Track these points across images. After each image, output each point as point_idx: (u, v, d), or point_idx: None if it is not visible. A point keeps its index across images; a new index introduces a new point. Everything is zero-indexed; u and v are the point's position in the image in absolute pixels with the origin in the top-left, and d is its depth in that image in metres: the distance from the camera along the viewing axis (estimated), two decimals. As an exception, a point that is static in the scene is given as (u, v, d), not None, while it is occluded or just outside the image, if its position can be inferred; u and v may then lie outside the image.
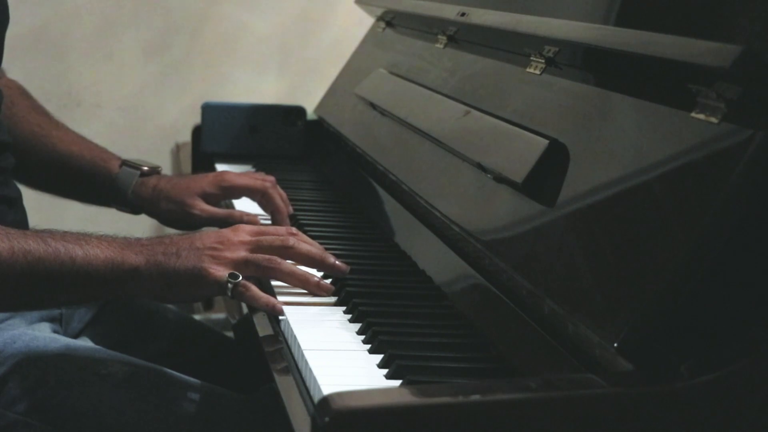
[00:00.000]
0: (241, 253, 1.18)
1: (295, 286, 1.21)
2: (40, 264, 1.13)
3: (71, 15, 2.64)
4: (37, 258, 1.13)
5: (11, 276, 1.13)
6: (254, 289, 1.16)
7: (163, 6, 2.70)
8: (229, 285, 1.15)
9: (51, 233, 1.17)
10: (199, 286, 1.16)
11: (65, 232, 1.18)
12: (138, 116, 2.73)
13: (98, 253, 1.15)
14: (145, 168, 1.54)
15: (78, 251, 1.15)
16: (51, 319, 1.38)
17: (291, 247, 1.21)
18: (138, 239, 1.20)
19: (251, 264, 1.18)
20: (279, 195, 1.52)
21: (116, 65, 2.69)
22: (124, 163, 1.55)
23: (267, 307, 1.15)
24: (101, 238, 1.18)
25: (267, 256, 1.19)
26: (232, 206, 1.56)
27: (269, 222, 1.51)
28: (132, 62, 2.71)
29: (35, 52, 2.61)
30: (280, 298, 1.18)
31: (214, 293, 1.18)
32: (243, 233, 1.21)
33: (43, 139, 1.54)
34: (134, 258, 1.16)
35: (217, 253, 1.17)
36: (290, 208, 1.53)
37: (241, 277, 1.15)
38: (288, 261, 1.21)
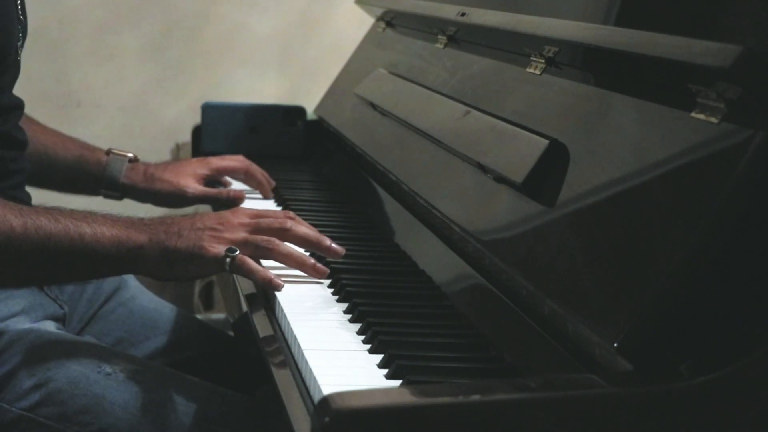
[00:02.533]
0: (241, 234, 1.21)
1: (291, 267, 1.23)
2: (51, 240, 1.16)
3: (71, 15, 2.64)
4: (48, 234, 1.16)
5: (25, 251, 1.16)
6: (251, 263, 1.19)
7: (163, 6, 2.70)
8: (228, 259, 1.18)
9: (60, 210, 1.20)
10: (198, 264, 1.19)
11: (72, 210, 1.21)
12: (138, 116, 2.73)
13: (104, 230, 1.19)
14: (131, 155, 1.62)
15: (86, 228, 1.18)
16: (55, 318, 1.39)
17: (288, 230, 1.24)
18: (141, 219, 1.24)
19: (250, 245, 1.21)
20: (259, 171, 1.66)
21: (116, 65, 2.69)
22: (111, 151, 1.61)
23: (264, 281, 1.18)
24: (106, 217, 1.22)
25: (265, 237, 1.22)
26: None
27: (255, 197, 1.64)
28: (132, 62, 2.71)
29: (35, 52, 2.61)
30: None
31: (213, 271, 1.21)
32: (242, 215, 1.25)
33: (26, 131, 1.55)
34: (138, 236, 1.19)
35: (217, 233, 1.21)
36: (272, 182, 1.66)
37: (238, 251, 1.19)
38: (285, 243, 1.24)
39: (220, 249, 1.19)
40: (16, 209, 1.17)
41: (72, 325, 1.47)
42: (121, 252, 1.19)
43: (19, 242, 1.15)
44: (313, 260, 1.24)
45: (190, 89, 2.73)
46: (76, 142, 1.63)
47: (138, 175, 1.59)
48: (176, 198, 1.59)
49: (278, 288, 1.17)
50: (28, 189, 1.48)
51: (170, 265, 1.20)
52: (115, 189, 1.60)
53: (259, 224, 1.23)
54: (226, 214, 1.25)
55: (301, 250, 1.26)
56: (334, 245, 1.26)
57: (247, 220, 1.23)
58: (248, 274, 1.19)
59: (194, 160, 1.66)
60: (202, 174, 1.61)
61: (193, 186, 1.59)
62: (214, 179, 1.65)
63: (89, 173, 1.60)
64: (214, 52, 2.75)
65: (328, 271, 1.24)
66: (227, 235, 1.21)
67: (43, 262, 1.18)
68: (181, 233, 1.20)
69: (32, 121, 1.61)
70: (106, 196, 1.61)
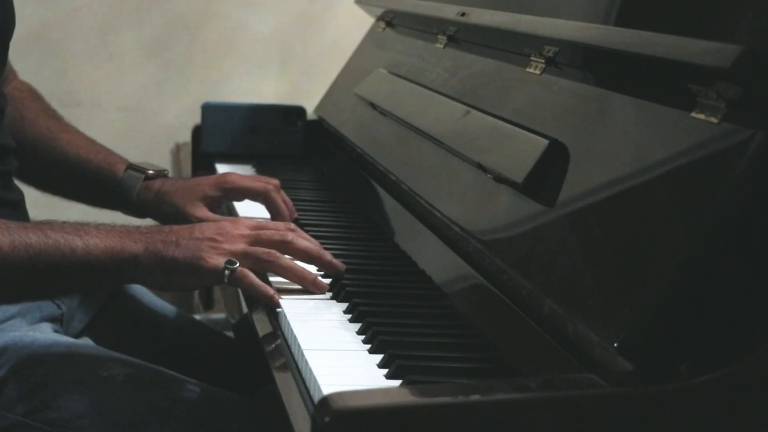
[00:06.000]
0: (240, 246, 1.19)
1: (292, 281, 1.21)
2: (41, 256, 1.15)
3: (71, 15, 2.64)
4: (38, 250, 1.14)
5: (13, 269, 1.14)
6: (252, 276, 1.17)
7: (163, 6, 2.70)
8: (227, 272, 1.16)
9: (50, 225, 1.18)
10: (196, 275, 1.17)
11: (64, 222, 1.19)
12: (138, 116, 2.73)
13: (97, 242, 1.17)
14: (151, 171, 1.53)
15: (78, 242, 1.16)
16: (52, 320, 1.38)
17: (289, 242, 1.22)
18: (137, 227, 1.21)
19: (250, 257, 1.19)
20: (281, 199, 1.49)
21: (116, 65, 2.70)
22: (130, 166, 1.54)
23: (264, 296, 1.16)
24: (99, 228, 1.19)
25: (266, 250, 1.20)
26: (233, 209, 1.57)
27: (256, 204, 1.51)
28: (132, 62, 2.71)
29: (35, 52, 2.61)
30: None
31: (211, 282, 1.19)
32: (243, 226, 1.22)
33: (51, 142, 1.54)
34: (133, 246, 1.17)
35: (217, 244, 1.18)
36: (295, 214, 1.52)
37: (238, 264, 1.16)
38: (286, 256, 1.22)
39: (219, 260, 1.17)
40: (3, 227, 1.15)
41: (72, 327, 1.46)
42: (115, 263, 1.17)
43: (8, 261, 1.13)
44: (313, 275, 1.21)
45: (190, 89, 2.73)
46: (102, 153, 1.56)
47: (150, 195, 1.51)
48: (180, 224, 1.48)
49: (277, 305, 1.15)
50: (44, 199, 1.47)
51: (167, 276, 1.18)
52: (130, 208, 1.53)
53: (259, 236, 1.21)
54: (226, 224, 1.23)
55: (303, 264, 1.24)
56: (335, 261, 1.24)
57: (247, 232, 1.21)
58: (248, 287, 1.16)
59: (212, 177, 1.52)
60: (213, 196, 1.48)
61: (199, 214, 1.46)
62: (229, 200, 1.53)
63: (105, 189, 1.54)
64: (214, 52, 2.76)
65: (328, 287, 1.22)
66: (227, 246, 1.18)
67: (35, 279, 1.16)
68: (179, 243, 1.18)
69: (66, 128, 1.58)
70: (125, 213, 1.55)
